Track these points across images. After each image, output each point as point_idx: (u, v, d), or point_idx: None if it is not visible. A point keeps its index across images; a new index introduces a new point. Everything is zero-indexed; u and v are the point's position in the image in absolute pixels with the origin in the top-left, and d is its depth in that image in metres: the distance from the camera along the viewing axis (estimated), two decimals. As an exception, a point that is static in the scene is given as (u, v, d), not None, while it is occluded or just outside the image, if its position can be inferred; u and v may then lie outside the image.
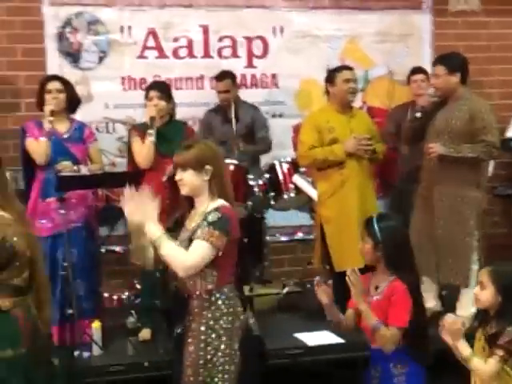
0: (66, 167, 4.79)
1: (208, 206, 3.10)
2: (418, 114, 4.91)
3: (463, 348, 3.06)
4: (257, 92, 6.31)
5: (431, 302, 4.90)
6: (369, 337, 3.34)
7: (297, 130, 5.87)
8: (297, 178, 5.27)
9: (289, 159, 5.46)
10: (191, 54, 6.25)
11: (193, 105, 6.17)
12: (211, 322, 3.07)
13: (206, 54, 6.27)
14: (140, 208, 3.04)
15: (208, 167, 3.09)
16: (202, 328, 3.07)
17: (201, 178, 3.10)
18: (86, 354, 4.59)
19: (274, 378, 3.58)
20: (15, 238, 2.87)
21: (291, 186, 5.33)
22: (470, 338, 3.15)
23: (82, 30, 6.01)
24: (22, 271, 2.90)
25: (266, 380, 3.19)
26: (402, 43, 6.61)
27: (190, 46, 6.24)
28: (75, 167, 4.84)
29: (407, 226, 5.11)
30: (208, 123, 5.90)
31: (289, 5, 6.39)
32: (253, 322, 3.23)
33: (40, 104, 4.93)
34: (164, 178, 4.81)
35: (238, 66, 6.17)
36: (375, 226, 3.34)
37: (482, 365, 3.03)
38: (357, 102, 5.46)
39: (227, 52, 6.31)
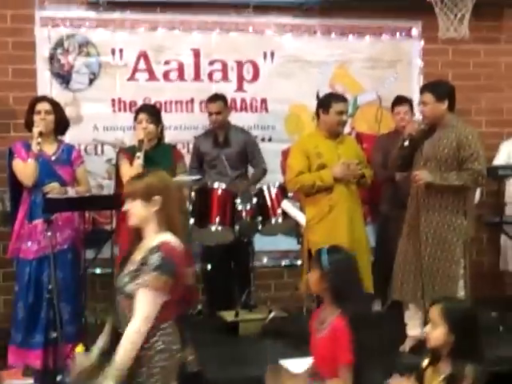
0: (53, 189, 4.78)
1: (154, 239, 3.04)
2: (406, 143, 4.93)
3: None
4: (247, 116, 6.32)
5: (416, 330, 4.89)
6: None
7: (286, 154, 5.87)
8: (285, 203, 5.27)
9: (277, 184, 5.48)
10: (182, 77, 6.26)
11: (182, 128, 6.19)
12: (144, 361, 2.97)
13: (197, 78, 6.28)
14: None
15: (157, 198, 3.05)
16: (136, 367, 2.97)
17: (149, 208, 3.06)
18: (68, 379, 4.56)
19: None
20: None
21: (279, 210, 5.34)
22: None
23: (73, 52, 6.02)
24: None
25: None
26: (392, 69, 6.65)
27: (180, 69, 6.25)
28: (62, 189, 4.83)
29: (392, 252, 5.17)
30: (197, 149, 5.91)
31: (280, 30, 6.42)
32: (192, 358, 3.15)
33: (29, 125, 4.93)
34: (151, 202, 4.80)
35: (228, 90, 6.19)
36: (323, 256, 3.36)
37: None
38: (345, 128, 5.47)
39: (218, 76, 6.33)
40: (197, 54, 6.27)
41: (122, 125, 6.00)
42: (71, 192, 4.88)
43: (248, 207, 5.37)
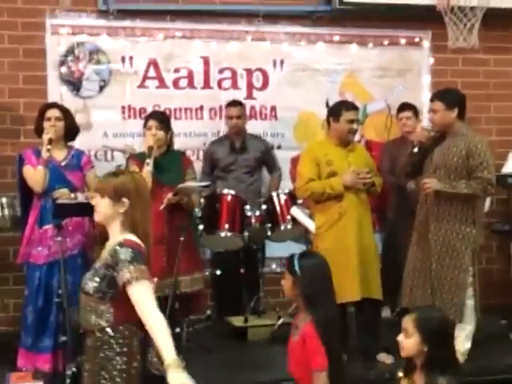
0: (63, 194, 4.80)
1: (117, 239, 2.97)
2: (415, 149, 4.93)
3: None
4: (256, 124, 6.33)
5: None
6: None
7: (295, 162, 5.88)
8: (294, 210, 5.28)
9: (286, 191, 5.50)
10: (191, 85, 6.29)
11: (192, 135, 6.22)
12: (104, 363, 2.89)
13: (206, 85, 6.31)
14: None
15: (125, 200, 2.98)
16: (95, 369, 2.90)
17: (115, 208, 2.98)
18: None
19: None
20: None
21: (288, 217, 5.35)
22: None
23: (83, 59, 6.06)
24: None
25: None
26: (401, 78, 6.67)
27: (190, 76, 6.28)
28: (72, 195, 4.85)
29: (400, 259, 5.17)
30: (211, 154, 5.93)
31: (289, 38, 6.45)
32: (156, 361, 2.97)
33: (39, 131, 4.95)
34: (161, 207, 4.83)
35: (237, 98, 6.20)
36: (295, 262, 3.35)
37: None
38: (355, 136, 5.48)
39: (227, 83, 6.36)
40: (206, 61, 6.31)
41: (132, 131, 6.03)
42: (81, 197, 4.89)
43: (257, 213, 5.39)
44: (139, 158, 5.03)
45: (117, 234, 2.99)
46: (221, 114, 6.28)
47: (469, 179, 4.74)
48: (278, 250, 5.83)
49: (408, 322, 3.04)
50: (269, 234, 5.43)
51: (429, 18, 6.19)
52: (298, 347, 3.31)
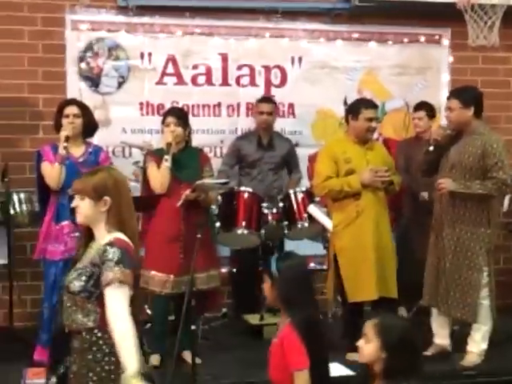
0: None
1: (106, 237, 2.90)
2: (431, 148, 4.91)
3: None
4: (274, 121, 6.33)
5: (445, 340, 4.88)
6: None
7: (312, 159, 5.88)
8: (312, 208, 5.27)
9: (303, 188, 5.49)
10: (209, 82, 6.29)
11: (209, 132, 6.23)
12: (92, 365, 2.83)
13: (225, 82, 6.31)
14: None
15: (106, 198, 2.91)
16: (83, 371, 2.84)
17: (97, 208, 2.91)
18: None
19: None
20: None
21: (305, 215, 5.33)
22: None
23: (102, 55, 6.08)
24: None
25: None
26: (420, 76, 6.64)
27: (208, 73, 6.28)
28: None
29: (414, 258, 5.14)
30: (237, 149, 5.94)
31: (308, 35, 6.44)
32: (142, 359, 2.89)
33: (57, 127, 4.96)
34: (178, 204, 4.83)
35: (255, 95, 6.20)
36: (273, 265, 3.32)
37: None
38: (374, 134, 5.45)
39: (245, 80, 6.35)
40: (225, 58, 6.30)
41: (150, 128, 6.04)
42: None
43: (274, 211, 5.37)
44: (157, 155, 5.02)
45: (103, 234, 2.92)
46: (239, 111, 6.29)
47: (484, 179, 4.71)
48: (294, 248, 5.79)
49: (369, 327, 2.97)
50: (286, 231, 5.42)
51: (449, 16, 6.14)
52: (277, 350, 3.27)
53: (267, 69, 6.38)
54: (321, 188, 5.05)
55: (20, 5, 5.90)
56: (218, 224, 5.28)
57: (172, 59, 6.21)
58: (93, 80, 6.07)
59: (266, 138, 5.90)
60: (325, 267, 5.60)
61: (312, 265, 6.05)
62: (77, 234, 4.54)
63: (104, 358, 2.83)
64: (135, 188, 5.74)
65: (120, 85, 6.12)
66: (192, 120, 5.41)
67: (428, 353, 4.87)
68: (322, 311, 5.36)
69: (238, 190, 5.41)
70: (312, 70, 6.44)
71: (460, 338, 4.98)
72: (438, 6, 6.14)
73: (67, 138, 4.81)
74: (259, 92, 6.29)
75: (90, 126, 5.07)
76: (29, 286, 5.82)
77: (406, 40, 6.60)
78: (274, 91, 6.36)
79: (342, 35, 6.50)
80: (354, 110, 5.10)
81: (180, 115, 5.13)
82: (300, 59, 6.43)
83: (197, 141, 5.53)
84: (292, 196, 5.41)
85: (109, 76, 6.10)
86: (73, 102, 5.13)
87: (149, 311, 5.38)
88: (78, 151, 4.97)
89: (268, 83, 6.38)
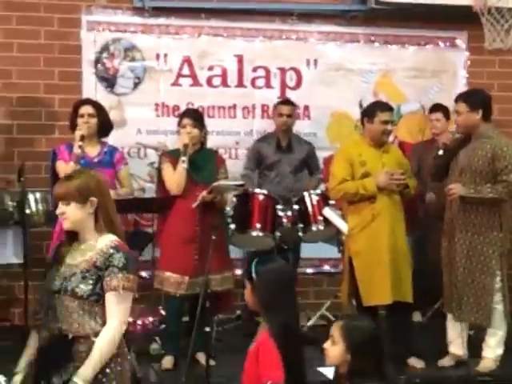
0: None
1: (97, 240, 2.88)
2: (441, 152, 4.89)
3: None
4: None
5: (460, 350, 4.85)
6: None
7: (327, 162, 5.87)
8: (327, 211, 5.25)
9: (319, 191, 5.48)
10: (225, 83, 6.29)
11: (224, 133, 6.22)
12: (101, 367, 2.79)
13: (240, 84, 6.31)
14: None
15: (93, 199, 2.87)
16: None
17: (85, 211, 2.87)
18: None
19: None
20: None
21: (320, 218, 5.32)
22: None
23: (118, 56, 6.09)
24: None
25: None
26: (436, 79, 6.61)
27: (224, 74, 6.28)
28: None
29: (431, 262, 5.11)
30: (257, 152, 5.93)
31: (323, 37, 6.43)
32: (134, 359, 2.94)
33: (72, 127, 4.98)
34: (194, 205, 4.83)
35: (271, 97, 6.21)
36: (253, 269, 3.20)
37: None
38: (389, 137, 5.43)
39: (261, 82, 6.35)
40: (240, 60, 6.31)
41: (165, 129, 6.05)
42: (112, 194, 4.87)
43: (289, 213, 5.36)
44: (173, 156, 5.03)
45: (94, 236, 2.89)
46: (254, 112, 6.30)
47: (494, 182, 4.68)
48: (308, 251, 5.82)
49: (335, 329, 2.97)
50: (300, 234, 5.40)
51: (465, 19, 6.10)
52: (252, 356, 3.12)
53: (282, 71, 6.38)
54: (336, 191, 5.03)
55: (36, 5, 5.92)
56: (232, 226, 5.26)
57: (187, 60, 6.22)
58: (108, 81, 6.08)
59: (284, 141, 5.89)
60: (339, 270, 5.59)
61: (327, 267, 6.06)
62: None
63: (112, 359, 2.82)
64: (150, 189, 5.78)
65: (136, 86, 6.14)
66: (207, 121, 5.41)
67: (445, 364, 4.87)
68: (337, 314, 5.37)
69: (253, 192, 5.39)
70: (327, 73, 6.43)
71: (475, 343, 4.95)
72: (455, 8, 6.11)
73: (82, 138, 4.82)
74: (274, 94, 6.30)
75: (104, 126, 5.08)
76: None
77: (421, 43, 6.59)
78: (289, 93, 6.36)
79: (357, 37, 6.49)
80: (369, 112, 5.09)
81: (196, 117, 5.13)
82: (315, 61, 6.42)
83: (212, 142, 5.53)
84: (307, 199, 5.40)
85: (124, 77, 6.11)
86: (88, 101, 5.15)
87: (163, 312, 5.38)
88: (93, 151, 4.99)
89: (283, 85, 6.38)
